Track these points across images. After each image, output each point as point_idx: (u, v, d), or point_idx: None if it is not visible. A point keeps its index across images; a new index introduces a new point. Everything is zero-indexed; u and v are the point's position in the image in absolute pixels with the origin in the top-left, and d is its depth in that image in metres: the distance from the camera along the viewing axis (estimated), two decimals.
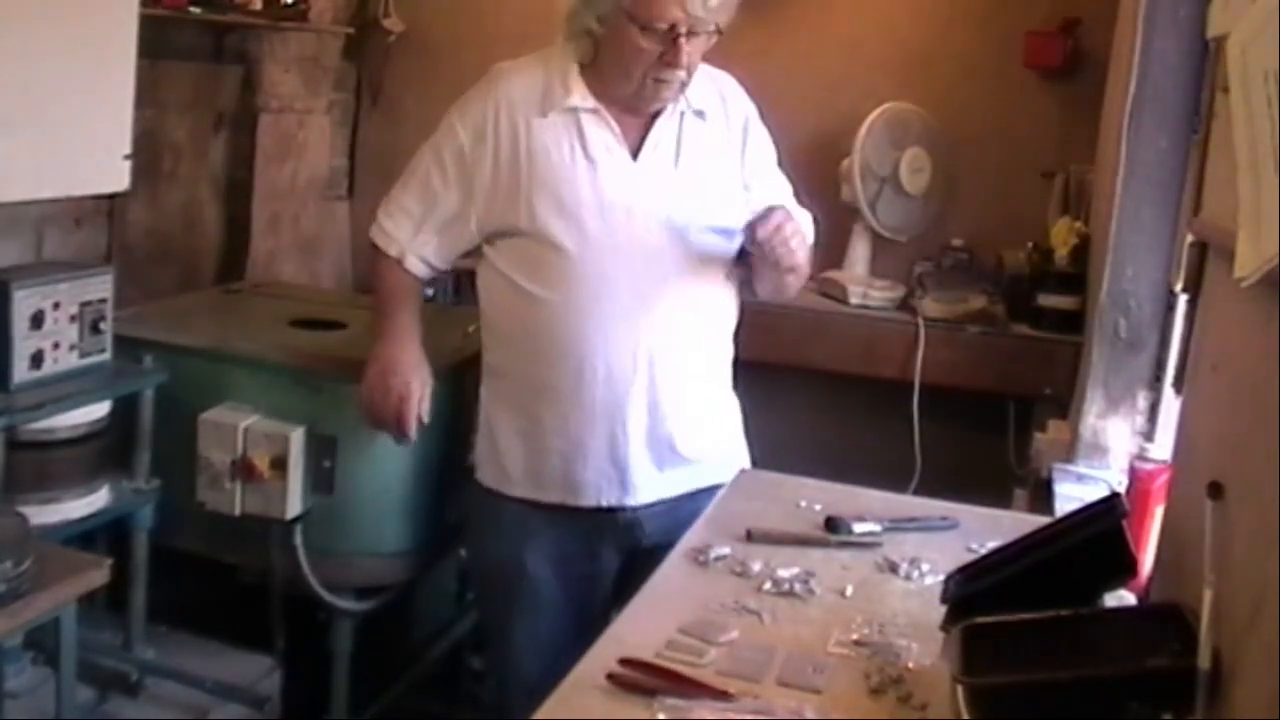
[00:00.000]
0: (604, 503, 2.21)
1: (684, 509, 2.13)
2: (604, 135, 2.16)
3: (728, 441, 2.34)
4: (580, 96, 2.16)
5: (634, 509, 2.21)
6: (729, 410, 2.37)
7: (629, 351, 2.15)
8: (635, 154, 2.17)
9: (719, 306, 2.29)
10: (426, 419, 2.30)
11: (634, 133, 2.18)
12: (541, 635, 2.25)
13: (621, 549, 2.24)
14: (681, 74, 2.09)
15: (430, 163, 2.26)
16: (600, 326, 2.14)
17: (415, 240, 2.28)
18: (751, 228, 2.10)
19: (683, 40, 2.04)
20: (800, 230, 2.16)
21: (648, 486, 2.21)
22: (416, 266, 2.30)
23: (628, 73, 2.10)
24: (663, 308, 2.16)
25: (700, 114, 2.22)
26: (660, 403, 2.18)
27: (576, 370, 2.15)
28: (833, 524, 1.87)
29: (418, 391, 2.27)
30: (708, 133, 2.23)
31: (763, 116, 2.33)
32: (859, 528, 1.86)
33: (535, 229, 2.15)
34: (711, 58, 2.20)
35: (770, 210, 2.11)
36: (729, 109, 2.27)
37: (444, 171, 2.24)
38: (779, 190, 2.33)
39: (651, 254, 2.15)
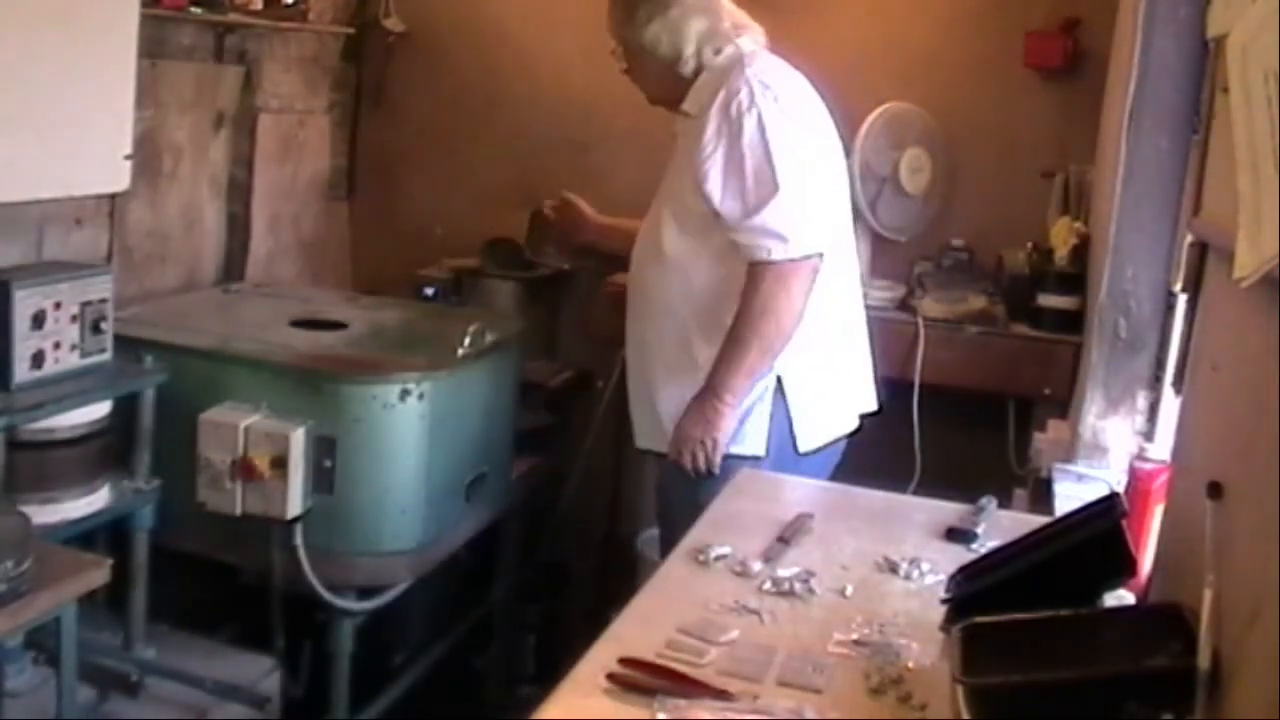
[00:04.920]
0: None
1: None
2: (673, 150, 2.57)
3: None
4: (675, 122, 2.56)
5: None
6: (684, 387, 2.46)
7: (628, 321, 2.59)
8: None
9: (683, 293, 2.47)
10: None
11: None
12: None
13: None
14: (626, 72, 2.57)
15: None
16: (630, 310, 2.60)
17: None
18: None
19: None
20: (698, 448, 2.38)
21: (640, 434, 2.61)
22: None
23: None
24: (639, 288, 2.55)
25: (689, 115, 2.48)
26: (634, 366, 2.61)
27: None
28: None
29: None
30: (692, 132, 2.43)
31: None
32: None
33: None
34: None
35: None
36: (707, 107, 2.41)
37: None
38: (736, 211, 2.37)
39: (643, 238, 2.55)
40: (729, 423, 2.36)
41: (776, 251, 2.32)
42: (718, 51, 2.47)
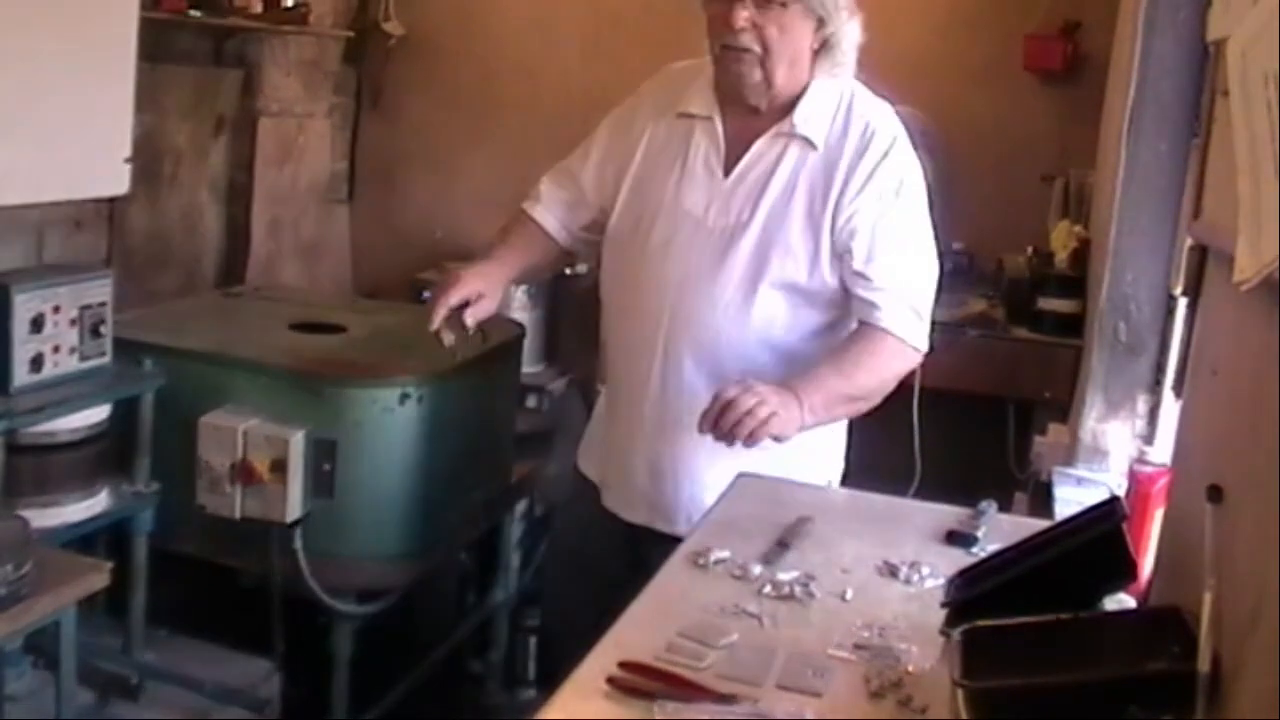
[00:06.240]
0: (609, 506, 2.22)
1: None
2: (708, 147, 2.11)
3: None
4: (699, 104, 2.13)
5: (631, 525, 2.19)
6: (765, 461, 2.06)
7: (646, 363, 2.12)
8: (729, 172, 2.09)
9: (769, 350, 2.10)
10: (470, 324, 2.18)
11: (739, 149, 2.10)
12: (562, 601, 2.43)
13: (627, 562, 2.15)
14: (745, 39, 1.99)
15: (592, 137, 2.29)
16: (629, 330, 2.17)
17: (551, 196, 2.30)
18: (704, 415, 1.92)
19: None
20: (764, 400, 1.88)
21: (647, 509, 2.17)
22: (544, 218, 2.30)
23: (711, 46, 2.06)
24: (693, 331, 2.08)
25: (809, 142, 2.07)
26: (669, 425, 2.11)
27: (611, 367, 2.25)
28: None
29: (460, 284, 2.16)
30: (811, 165, 2.07)
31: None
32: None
33: (615, 222, 2.19)
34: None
35: (720, 391, 1.91)
36: (849, 149, 2.06)
37: (588, 150, 2.28)
38: (892, 280, 2.04)
39: (701, 275, 2.07)
40: (790, 434, 1.96)
41: (916, 338, 2.09)
42: (837, 66, 2.10)
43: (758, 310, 2.07)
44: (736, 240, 2.06)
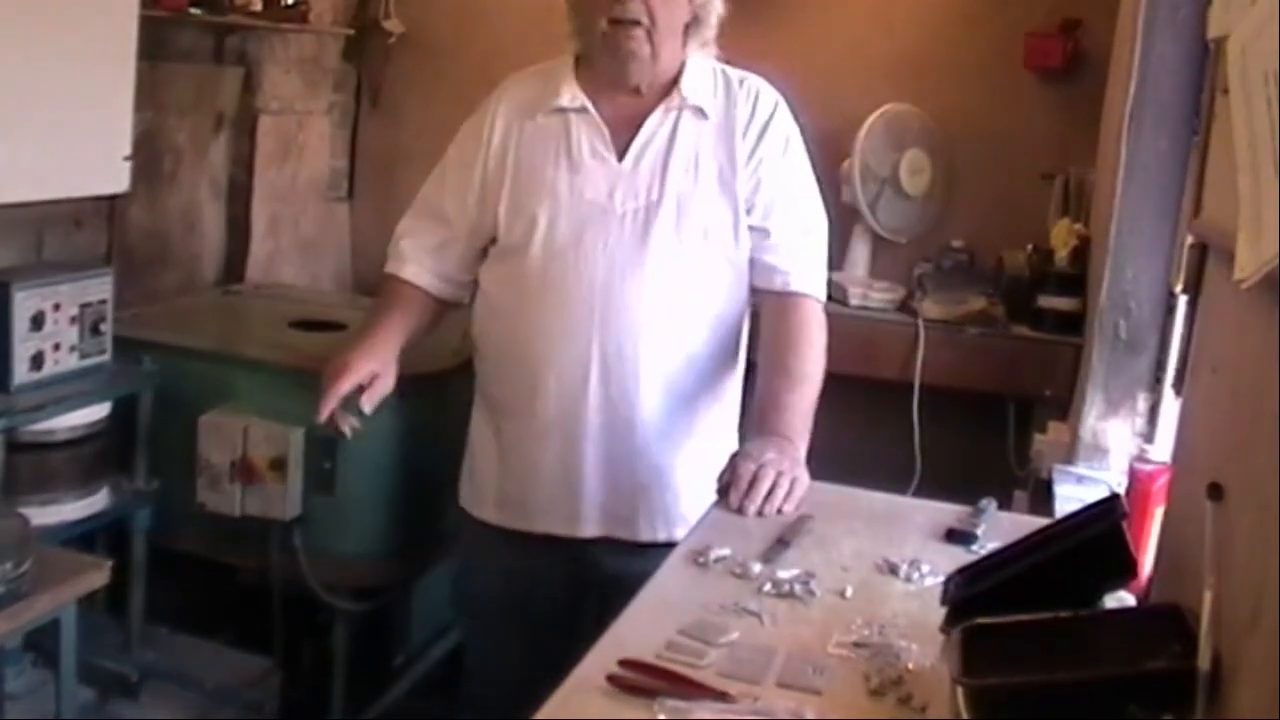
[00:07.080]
0: (554, 531, 2.11)
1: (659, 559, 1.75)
2: (591, 136, 2.07)
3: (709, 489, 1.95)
4: (569, 96, 2.08)
5: (585, 541, 2.11)
6: (718, 452, 2.02)
7: (581, 365, 2.03)
8: (623, 155, 2.06)
9: (706, 328, 2.10)
10: (368, 409, 2.05)
11: (625, 133, 2.07)
12: (489, 657, 2.25)
13: (577, 584, 2.12)
14: (634, 9, 1.98)
15: (443, 166, 2.21)
16: (554, 336, 2.04)
17: (416, 249, 2.19)
18: (723, 487, 1.88)
19: None
20: (784, 467, 1.88)
21: (603, 520, 2.10)
22: (417, 276, 2.19)
23: (590, 25, 2.05)
24: (630, 320, 2.02)
25: (700, 111, 2.08)
26: (618, 426, 2.06)
27: (530, 384, 2.07)
28: None
29: (350, 371, 2.03)
30: (709, 134, 2.08)
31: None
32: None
33: (505, 233, 2.09)
34: None
35: (734, 461, 1.89)
36: (742, 112, 2.10)
37: (442, 180, 2.20)
38: (789, 231, 2.11)
39: (625, 263, 2.02)
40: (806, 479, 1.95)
41: (822, 289, 2.14)
42: (706, 44, 2.12)
43: (691, 288, 2.06)
44: (652, 221, 2.03)
